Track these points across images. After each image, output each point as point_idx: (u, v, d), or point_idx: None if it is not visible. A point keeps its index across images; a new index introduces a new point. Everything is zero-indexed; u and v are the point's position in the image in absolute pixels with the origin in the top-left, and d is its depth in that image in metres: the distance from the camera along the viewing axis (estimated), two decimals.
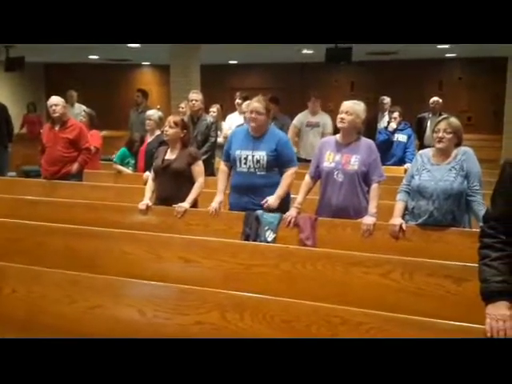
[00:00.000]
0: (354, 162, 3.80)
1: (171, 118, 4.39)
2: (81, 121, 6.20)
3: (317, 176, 3.98)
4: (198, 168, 4.32)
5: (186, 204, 4.17)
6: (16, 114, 9.99)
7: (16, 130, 10.25)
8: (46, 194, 5.16)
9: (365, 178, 3.81)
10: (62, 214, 4.46)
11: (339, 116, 3.85)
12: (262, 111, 3.97)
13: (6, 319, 2.92)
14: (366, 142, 3.89)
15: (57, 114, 5.44)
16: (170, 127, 4.31)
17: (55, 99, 5.51)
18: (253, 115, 3.97)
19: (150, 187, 4.41)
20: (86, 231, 3.82)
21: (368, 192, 3.82)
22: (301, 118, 7.20)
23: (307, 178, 4.02)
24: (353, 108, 3.83)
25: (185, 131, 4.38)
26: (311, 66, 13.16)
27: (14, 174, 8.28)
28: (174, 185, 4.27)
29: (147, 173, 5.16)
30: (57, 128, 5.50)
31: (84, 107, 7.62)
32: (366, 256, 3.19)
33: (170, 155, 4.37)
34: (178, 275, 3.37)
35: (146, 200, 4.31)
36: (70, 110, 7.25)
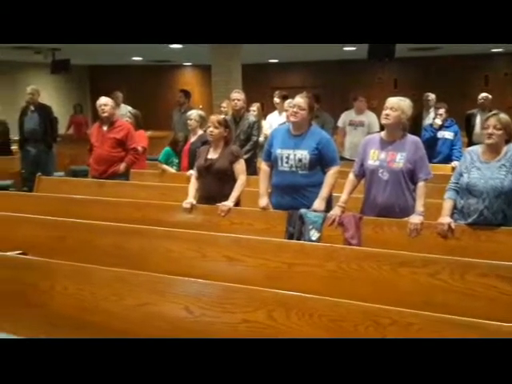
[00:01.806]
0: (400, 160, 3.73)
1: (214, 118, 4.42)
2: (126, 122, 6.30)
3: (361, 174, 3.93)
4: (240, 166, 4.34)
5: (229, 203, 4.18)
6: (61, 116, 10.24)
7: (63, 131, 10.53)
8: (93, 193, 5.25)
9: (411, 175, 3.74)
10: (110, 212, 4.53)
11: (384, 112, 3.79)
12: (303, 106, 3.93)
13: (59, 316, 2.98)
14: (411, 138, 3.82)
15: (105, 114, 5.53)
16: (215, 127, 4.34)
17: (104, 99, 5.62)
18: (294, 109, 3.95)
19: (193, 186, 4.45)
20: (132, 229, 3.88)
21: (414, 190, 3.75)
22: (344, 117, 7.14)
23: (351, 176, 3.97)
24: (398, 104, 3.77)
25: (227, 130, 4.42)
26: (353, 63, 13.00)
27: (62, 173, 8.47)
28: (217, 184, 4.31)
29: (191, 171, 5.21)
30: (105, 128, 5.59)
31: (130, 108, 7.73)
32: (414, 256, 3.12)
33: (213, 154, 4.40)
34: (222, 274, 3.38)
35: (190, 199, 4.34)
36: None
